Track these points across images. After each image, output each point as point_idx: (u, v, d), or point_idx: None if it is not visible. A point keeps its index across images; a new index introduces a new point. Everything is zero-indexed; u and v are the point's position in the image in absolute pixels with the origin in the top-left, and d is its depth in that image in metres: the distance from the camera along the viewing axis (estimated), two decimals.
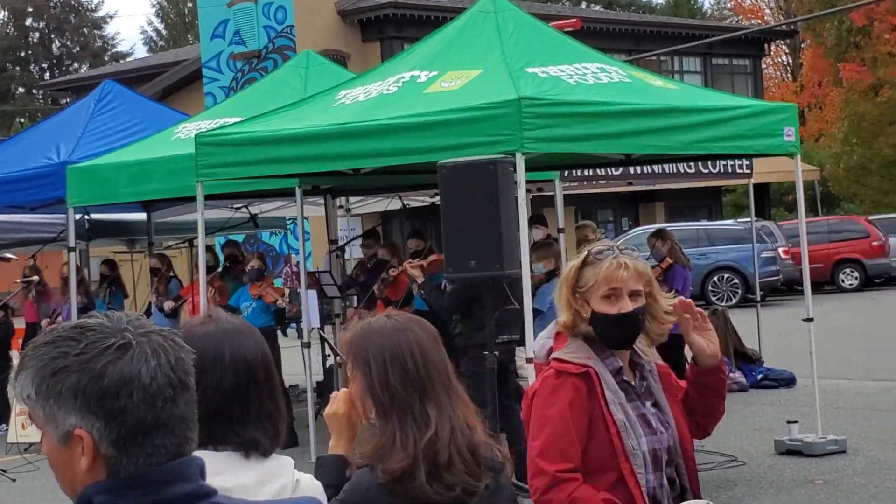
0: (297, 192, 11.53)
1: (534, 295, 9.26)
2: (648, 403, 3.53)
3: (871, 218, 31.29)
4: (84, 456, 1.79)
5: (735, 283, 26.86)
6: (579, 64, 9.67)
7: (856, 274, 29.70)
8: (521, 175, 8.36)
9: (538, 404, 3.50)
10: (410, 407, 2.87)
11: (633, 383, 3.54)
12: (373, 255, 13.42)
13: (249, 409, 2.61)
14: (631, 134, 9.15)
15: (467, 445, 2.89)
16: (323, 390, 13.49)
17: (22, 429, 12.16)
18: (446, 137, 8.91)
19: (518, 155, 8.40)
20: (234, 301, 13.11)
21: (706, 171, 17.69)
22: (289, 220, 18.79)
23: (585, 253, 3.58)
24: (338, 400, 3.06)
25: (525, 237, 8.40)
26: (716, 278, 26.89)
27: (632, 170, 15.59)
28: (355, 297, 13.90)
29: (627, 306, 3.45)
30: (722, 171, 16.98)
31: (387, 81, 9.88)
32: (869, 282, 29.79)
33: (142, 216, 16.05)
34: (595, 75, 9.53)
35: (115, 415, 1.78)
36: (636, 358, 3.59)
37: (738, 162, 15.74)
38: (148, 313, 14.41)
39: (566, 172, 14.40)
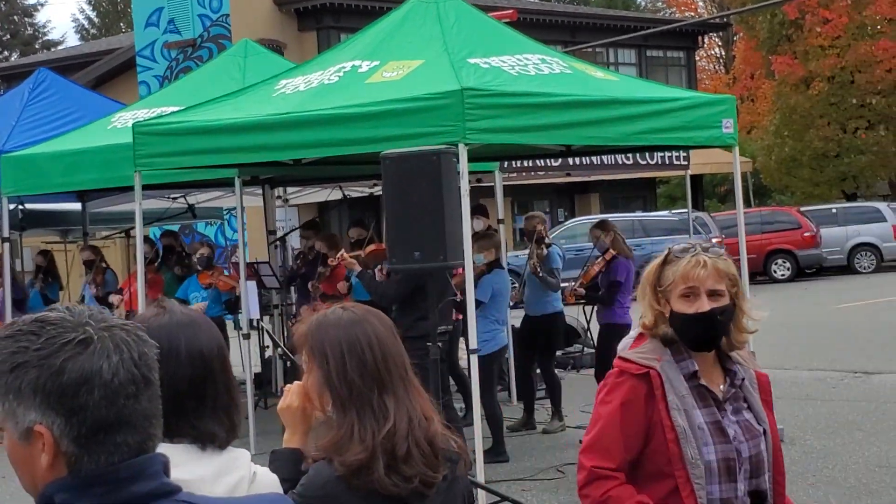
0: (237, 182, 11.44)
1: (475, 286, 9.28)
2: (730, 410, 3.38)
3: (802, 209, 31.73)
4: (45, 453, 1.76)
5: None
6: (520, 55, 9.69)
7: (788, 265, 30.10)
8: (463, 166, 8.36)
9: (598, 401, 3.43)
10: (369, 399, 2.85)
11: (712, 388, 3.38)
12: (311, 246, 13.32)
13: (206, 402, 2.58)
14: (572, 125, 9.17)
15: (425, 437, 2.87)
16: (261, 382, 13.42)
17: None
18: (388, 128, 8.88)
19: (461, 146, 8.39)
20: (181, 292, 12.93)
21: (644, 162, 17.85)
22: (226, 210, 18.65)
23: (667, 251, 3.49)
24: (292, 393, 3.03)
25: (468, 228, 8.41)
26: None
27: (571, 161, 15.68)
28: (293, 289, 13.83)
29: (705, 305, 3.32)
30: (660, 162, 17.15)
31: (328, 71, 9.83)
32: (801, 272, 30.21)
33: (76, 206, 15.86)
34: (536, 66, 9.55)
35: (75, 412, 1.75)
36: (728, 364, 3.44)
37: (675, 154, 15.89)
38: (81, 303, 14.24)
39: (505, 163, 14.45)
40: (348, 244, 12.27)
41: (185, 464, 2.47)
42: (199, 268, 12.95)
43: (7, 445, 1.81)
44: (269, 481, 2.70)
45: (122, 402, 1.77)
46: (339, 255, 11.14)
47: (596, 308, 11.35)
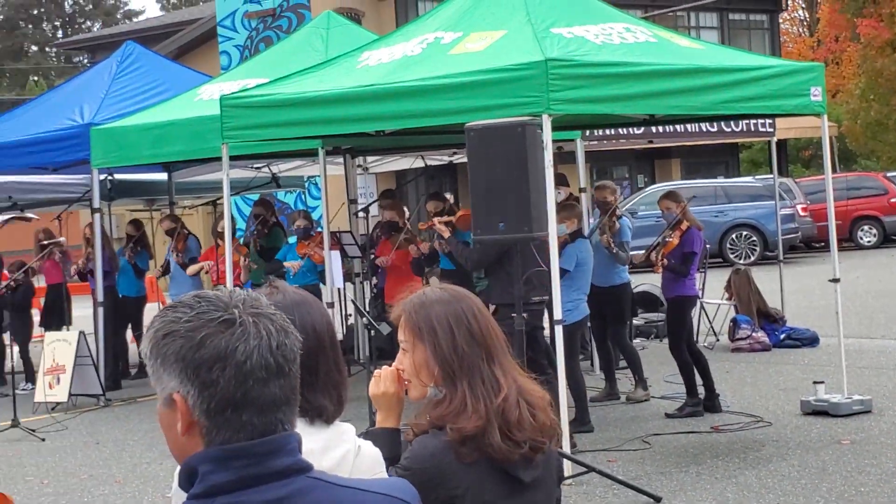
0: (321, 152, 11.56)
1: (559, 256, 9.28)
2: None
3: (888, 175, 31.15)
4: (180, 420, 1.89)
5: (753, 241, 26.80)
6: (604, 24, 9.63)
7: (874, 231, 29.61)
8: (547, 137, 8.34)
9: None
10: (479, 369, 2.96)
11: None
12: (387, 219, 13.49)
13: (318, 376, 2.68)
14: (657, 95, 9.10)
15: (529, 404, 2.97)
16: (344, 349, 13.55)
17: (49, 388, 12.23)
18: (472, 99, 8.89)
19: (545, 117, 8.38)
20: (280, 257, 13.19)
21: (728, 129, 17.64)
22: (306, 178, 18.84)
23: None
24: (386, 380, 3.14)
25: (552, 199, 8.40)
26: (734, 236, 26.83)
27: (653, 128, 15.56)
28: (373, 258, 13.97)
29: None
30: (744, 129, 16.93)
31: (411, 42, 9.86)
32: (887, 239, 29.71)
33: (162, 176, 16.11)
34: (621, 35, 9.49)
35: (207, 385, 1.86)
36: None
37: (760, 121, 15.68)
38: (166, 270, 14.47)
39: (587, 131, 14.39)
40: (427, 217, 12.32)
41: None
42: (299, 237, 13.15)
43: (158, 408, 1.95)
44: (372, 455, 2.79)
45: (251, 384, 1.87)
46: (432, 219, 11.21)
47: (663, 281, 11.17)
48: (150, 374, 1.93)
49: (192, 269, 13.92)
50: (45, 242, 14.20)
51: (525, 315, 8.39)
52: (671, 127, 16.08)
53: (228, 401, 1.87)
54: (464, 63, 9.16)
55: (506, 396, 2.93)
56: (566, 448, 8.17)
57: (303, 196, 23.57)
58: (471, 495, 2.88)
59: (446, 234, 10.71)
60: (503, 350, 3.04)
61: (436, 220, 11.02)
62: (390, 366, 3.16)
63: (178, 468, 2.11)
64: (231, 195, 13.18)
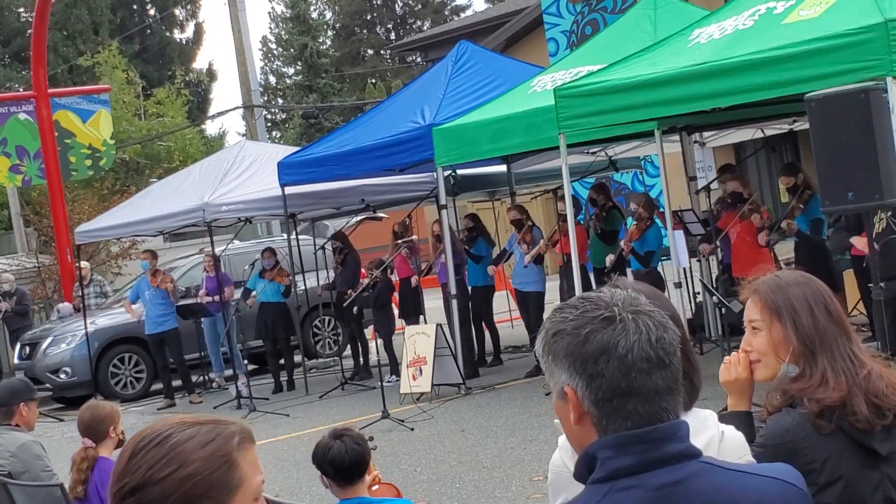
0: (657, 133, 11.63)
1: None
2: None
3: None
4: (572, 411, 2.08)
5: None
6: None
7: None
8: (893, 100, 8.08)
9: None
10: (838, 346, 3.05)
11: None
12: (731, 191, 13.35)
13: None
14: None
15: (888, 382, 3.03)
16: (694, 328, 13.54)
17: (413, 379, 12.87)
18: (810, 68, 8.75)
19: (889, 80, 8.13)
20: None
21: None
22: (642, 157, 18.87)
23: None
24: (737, 366, 3.25)
25: None
26: None
27: None
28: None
29: None
30: None
31: (742, 16, 9.76)
32: None
33: (502, 168, 16.57)
34: None
35: (594, 377, 2.04)
36: None
37: None
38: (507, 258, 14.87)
39: None
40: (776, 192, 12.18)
41: None
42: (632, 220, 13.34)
43: (554, 401, 2.15)
44: (737, 438, 2.87)
45: (634, 375, 2.04)
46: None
47: None
48: (544, 370, 2.13)
49: (528, 259, 14.27)
50: (398, 242, 14.93)
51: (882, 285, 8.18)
52: None
53: (614, 390, 2.03)
54: (799, 32, 9.00)
55: (870, 370, 3.01)
56: None
57: (639, 175, 23.64)
58: (827, 469, 2.94)
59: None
60: (855, 334, 3.11)
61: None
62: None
63: (561, 455, 2.35)
64: (570, 181, 13.47)
